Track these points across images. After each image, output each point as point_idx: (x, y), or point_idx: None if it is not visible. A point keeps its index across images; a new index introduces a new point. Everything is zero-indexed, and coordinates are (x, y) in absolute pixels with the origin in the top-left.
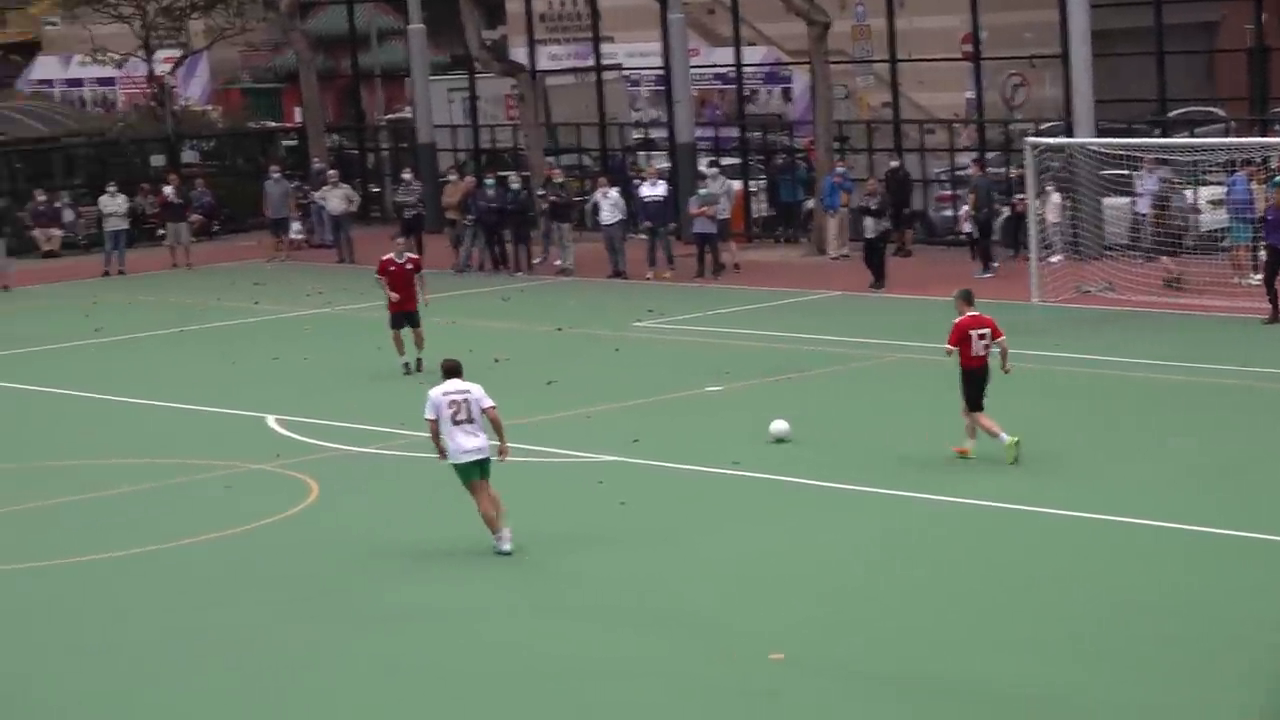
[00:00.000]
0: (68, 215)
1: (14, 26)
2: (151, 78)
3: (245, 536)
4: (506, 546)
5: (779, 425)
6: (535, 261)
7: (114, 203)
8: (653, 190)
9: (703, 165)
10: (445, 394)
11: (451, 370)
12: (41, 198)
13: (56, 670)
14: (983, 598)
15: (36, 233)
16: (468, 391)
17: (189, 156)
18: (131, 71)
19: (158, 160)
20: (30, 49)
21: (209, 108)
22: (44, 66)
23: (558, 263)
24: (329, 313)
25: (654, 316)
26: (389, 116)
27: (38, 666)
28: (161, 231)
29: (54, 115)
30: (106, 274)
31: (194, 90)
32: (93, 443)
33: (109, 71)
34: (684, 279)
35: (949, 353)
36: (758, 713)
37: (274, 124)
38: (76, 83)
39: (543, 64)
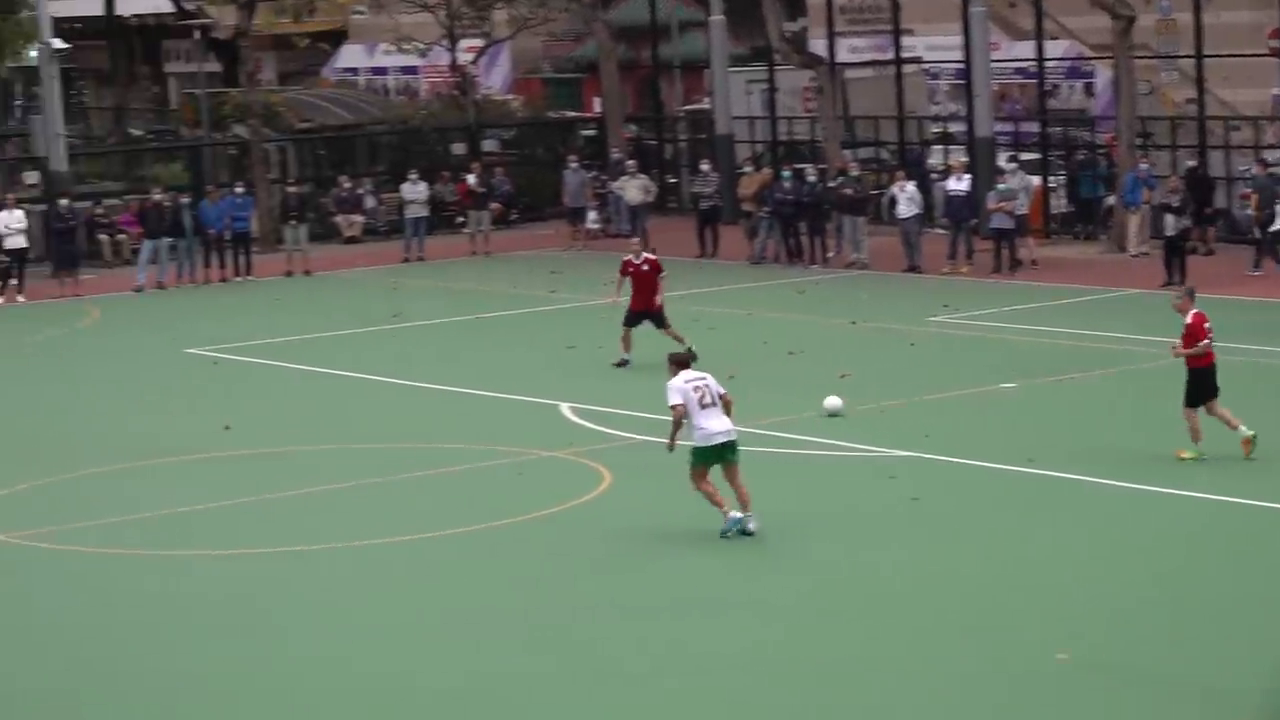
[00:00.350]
0: (369, 202)
1: (322, 15)
2: (454, 67)
3: (537, 523)
4: (754, 525)
5: (833, 401)
6: (829, 255)
7: (415, 190)
8: (957, 185)
9: (1002, 160)
10: (687, 382)
11: (684, 362)
12: (345, 184)
13: (369, 649)
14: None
15: (339, 219)
16: (705, 377)
17: (489, 145)
18: (435, 60)
19: (458, 149)
20: (337, 37)
21: (510, 97)
22: (350, 55)
23: (853, 256)
24: (625, 301)
25: (949, 311)
26: (687, 107)
27: (354, 647)
28: (461, 219)
29: (358, 103)
30: (406, 260)
31: (495, 79)
32: (387, 427)
33: (413, 60)
34: (980, 274)
35: (1183, 353)
36: (1045, 713)
37: (573, 114)
38: (381, 71)
39: (842, 56)
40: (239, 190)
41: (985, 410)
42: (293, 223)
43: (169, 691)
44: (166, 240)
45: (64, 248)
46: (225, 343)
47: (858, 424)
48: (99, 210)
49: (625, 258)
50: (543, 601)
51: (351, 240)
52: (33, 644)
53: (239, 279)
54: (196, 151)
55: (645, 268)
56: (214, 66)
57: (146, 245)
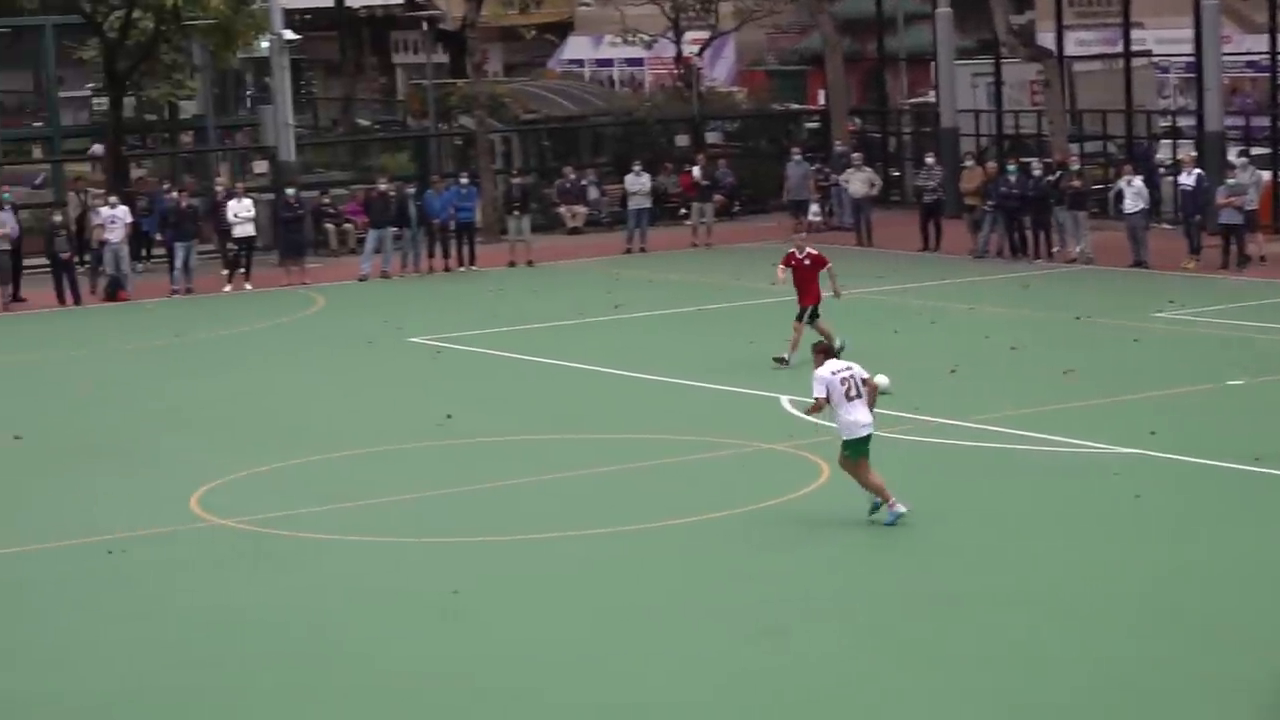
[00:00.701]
0: (593, 193)
1: (549, 6)
2: (679, 59)
3: (755, 515)
4: (902, 508)
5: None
6: (1054, 249)
7: (639, 181)
8: (1186, 180)
9: (1232, 155)
10: (834, 373)
11: (829, 350)
12: (568, 175)
13: (586, 636)
14: None
15: (562, 209)
16: (851, 367)
17: (713, 137)
18: (660, 52)
19: (682, 140)
20: (564, 29)
21: (734, 89)
22: (575, 46)
23: (1078, 248)
24: (846, 295)
25: (1175, 307)
26: (912, 100)
27: (565, 630)
28: (684, 211)
29: (583, 94)
30: (628, 251)
31: (720, 71)
32: (607, 418)
33: (637, 52)
34: (1208, 270)
35: None
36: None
37: (797, 106)
38: (606, 63)
39: (1070, 49)
40: (464, 180)
41: (1211, 407)
42: (516, 213)
43: (386, 681)
44: (391, 230)
45: (291, 236)
46: (448, 332)
47: (1079, 419)
48: (325, 199)
49: (789, 251)
50: (769, 595)
51: (574, 231)
52: (256, 631)
53: (462, 269)
54: (422, 142)
55: (807, 262)
56: (441, 58)
57: (372, 234)
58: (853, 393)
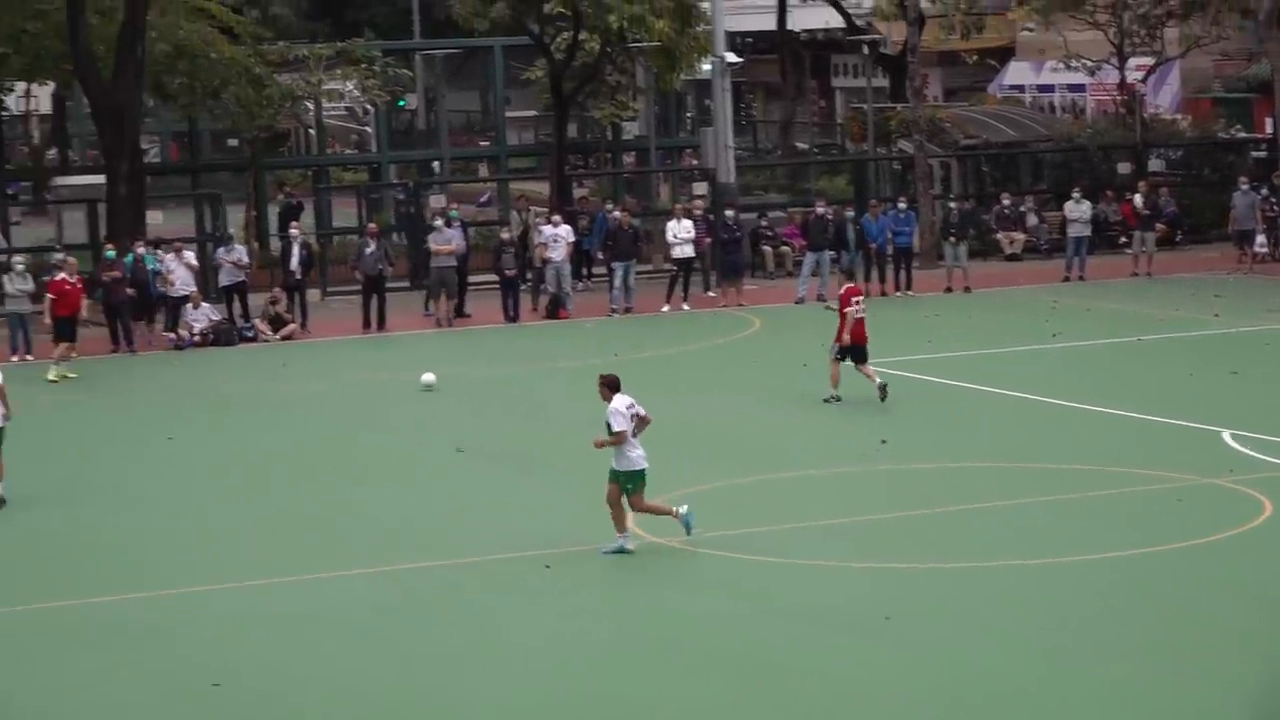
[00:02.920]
0: (1031, 219)
1: (991, 31)
2: (1122, 85)
3: (1194, 551)
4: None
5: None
6: None
7: (1078, 209)
8: None
9: None
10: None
11: (617, 385)
12: (1006, 201)
13: (1021, 668)
14: None
15: (1000, 235)
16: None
17: (1155, 165)
18: (1103, 79)
19: (1124, 168)
20: (1005, 54)
21: (1178, 116)
22: (1016, 71)
23: None
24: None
25: None
26: None
27: (1004, 661)
28: (1124, 239)
29: (1024, 120)
30: (1066, 279)
31: (1164, 98)
32: (1042, 447)
33: (1079, 78)
34: None
35: None
36: None
37: (1244, 134)
38: (1047, 88)
39: None
40: (901, 205)
41: None
42: (953, 239)
43: (822, 701)
44: (828, 253)
45: (729, 258)
46: (883, 357)
47: None
48: (763, 222)
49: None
50: (1190, 630)
51: (1012, 258)
52: (690, 647)
53: (899, 294)
54: (861, 165)
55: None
56: (881, 81)
57: (809, 258)
58: (638, 430)
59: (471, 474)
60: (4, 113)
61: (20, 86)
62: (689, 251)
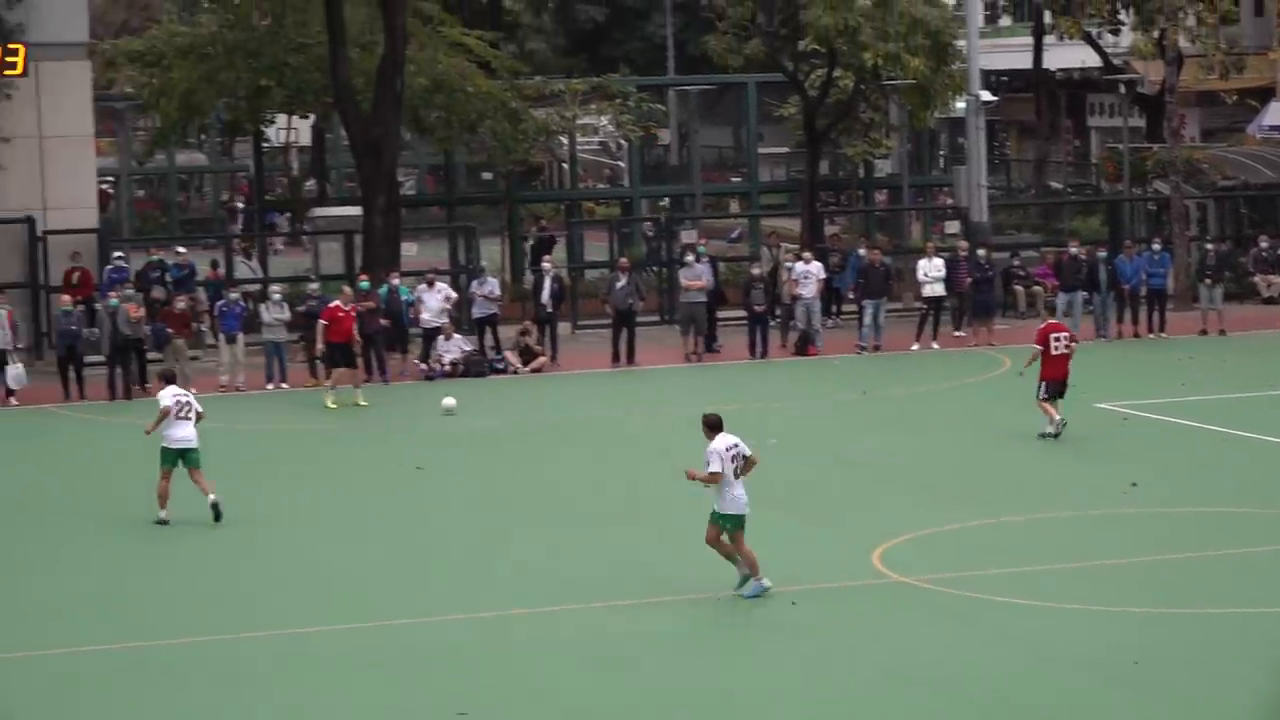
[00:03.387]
0: None
1: (1252, 71)
2: None
3: None
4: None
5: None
6: None
7: None
8: None
9: None
10: (727, 448)
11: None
12: (1264, 243)
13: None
14: None
15: (1257, 278)
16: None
17: None
18: None
19: None
20: (1265, 94)
21: None
22: (1277, 112)
23: None
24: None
25: None
26: None
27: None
28: None
29: None
30: None
31: None
32: None
33: None
34: None
35: None
36: None
37: None
38: None
39: None
40: (1156, 246)
41: None
42: (1209, 281)
43: None
44: (1080, 294)
45: (980, 297)
46: (1135, 399)
47: None
48: (1015, 261)
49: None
50: None
51: (1269, 301)
52: (930, 688)
53: (1151, 336)
54: (1115, 206)
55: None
56: (1137, 121)
57: (1061, 298)
58: (740, 471)
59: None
60: (264, 144)
61: (281, 119)
62: (939, 290)
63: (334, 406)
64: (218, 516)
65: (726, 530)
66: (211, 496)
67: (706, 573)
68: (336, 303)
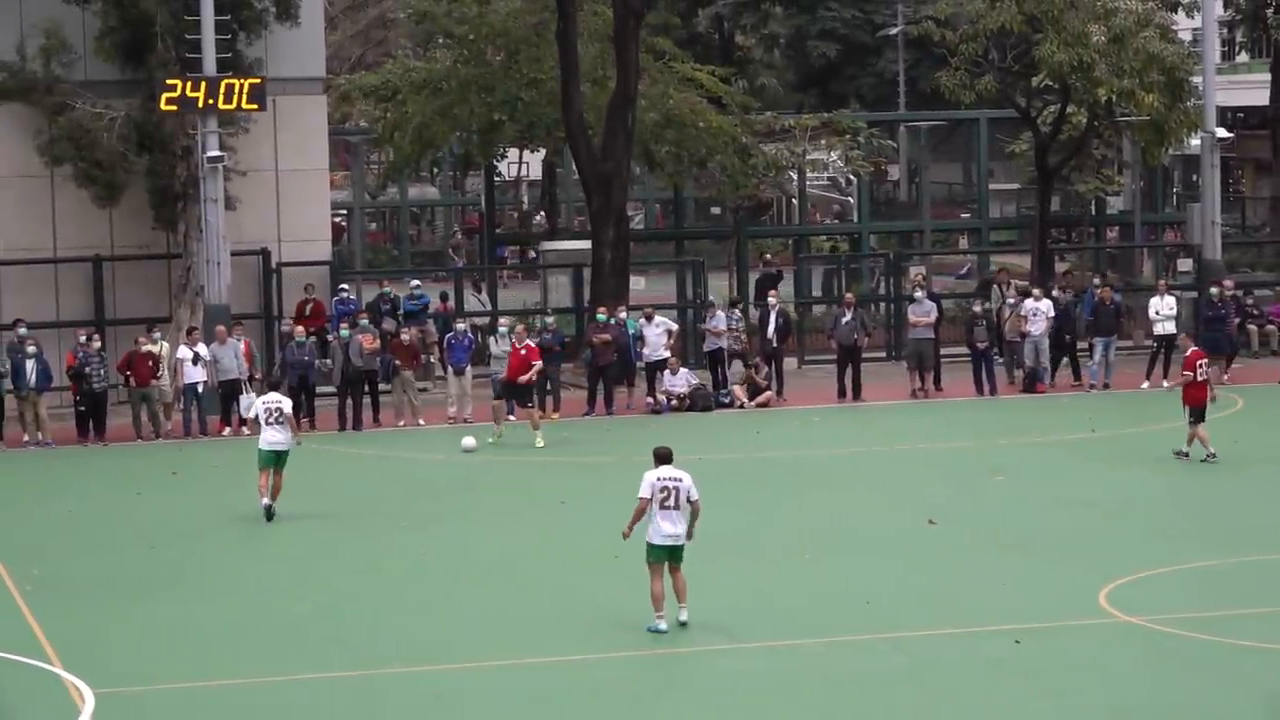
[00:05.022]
0: None
1: None
2: None
3: None
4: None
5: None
6: None
7: None
8: None
9: None
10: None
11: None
12: None
13: None
14: None
15: None
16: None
17: None
18: None
19: None
20: None
21: None
22: None
23: None
24: None
25: None
26: None
27: None
28: None
29: None
30: None
31: None
32: None
33: None
34: None
35: None
36: None
37: None
38: None
39: None
40: None
41: None
42: None
43: None
44: None
45: (1213, 335)
46: None
47: None
48: (1249, 300)
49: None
50: None
51: None
52: None
53: None
54: None
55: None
56: None
57: None
58: (669, 502)
59: (938, 545)
60: (496, 178)
61: (512, 153)
62: (1170, 328)
63: (541, 445)
64: (270, 517)
65: (649, 560)
66: (269, 501)
67: (940, 610)
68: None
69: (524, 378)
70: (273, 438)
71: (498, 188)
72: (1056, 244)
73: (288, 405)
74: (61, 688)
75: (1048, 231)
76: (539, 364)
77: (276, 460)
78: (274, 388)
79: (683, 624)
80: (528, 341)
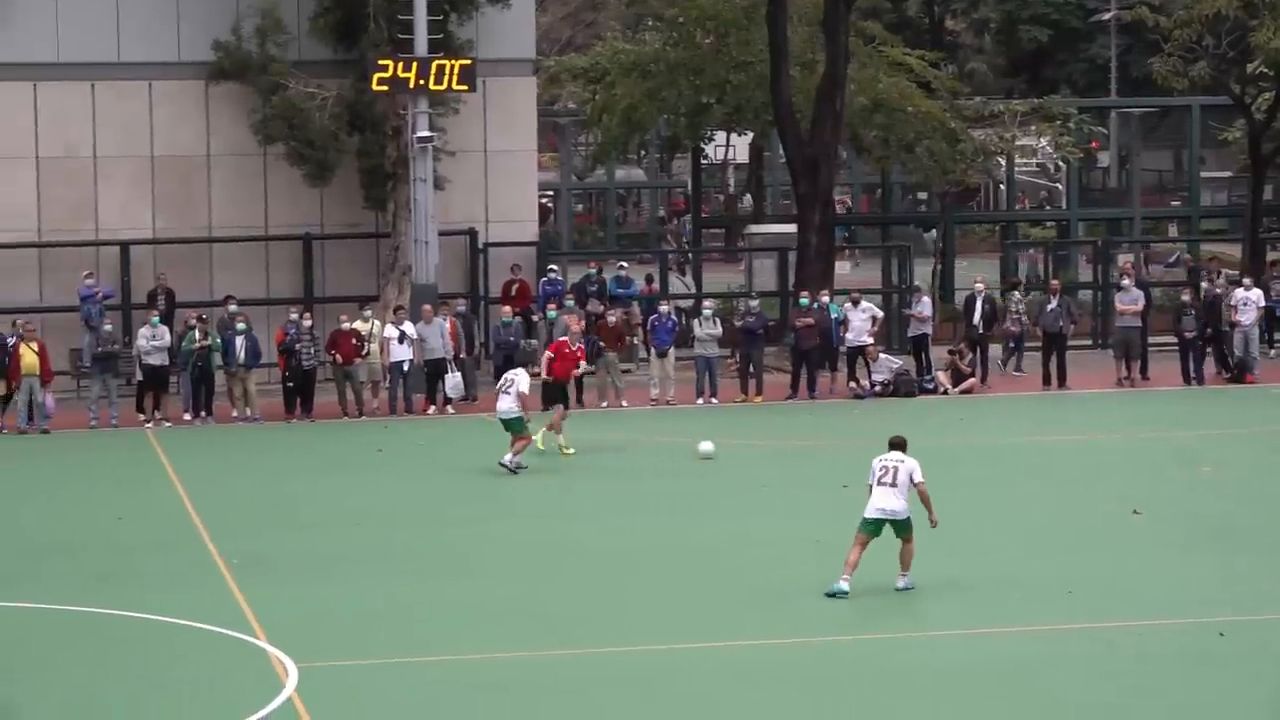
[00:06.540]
0: None
1: None
2: None
3: None
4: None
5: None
6: None
7: None
8: None
9: None
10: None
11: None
12: None
13: None
14: None
15: None
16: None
17: None
18: None
19: None
20: None
21: None
22: None
23: None
24: None
25: None
26: None
27: None
28: None
29: None
30: None
31: None
32: None
33: None
34: None
35: None
36: None
37: None
38: None
39: None
40: None
41: None
42: None
43: None
44: None
45: None
46: None
47: None
48: None
49: None
50: None
51: None
52: None
53: None
54: None
55: None
56: None
57: None
58: (886, 479)
59: (1142, 536)
60: (703, 161)
61: (720, 136)
62: None
63: (571, 452)
64: (515, 470)
65: (858, 530)
66: (511, 457)
67: (1142, 602)
68: (565, 338)
69: (576, 372)
70: (498, 405)
71: (704, 170)
72: (1269, 233)
73: (521, 381)
74: (266, 661)
75: (1260, 220)
76: (585, 364)
77: (506, 426)
78: (522, 365)
79: (898, 589)
80: (580, 344)
